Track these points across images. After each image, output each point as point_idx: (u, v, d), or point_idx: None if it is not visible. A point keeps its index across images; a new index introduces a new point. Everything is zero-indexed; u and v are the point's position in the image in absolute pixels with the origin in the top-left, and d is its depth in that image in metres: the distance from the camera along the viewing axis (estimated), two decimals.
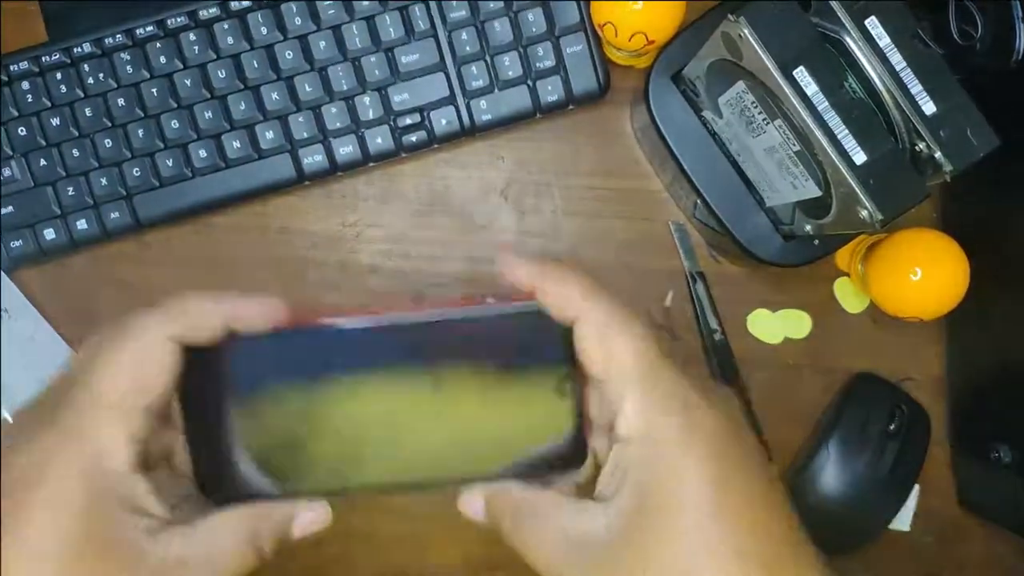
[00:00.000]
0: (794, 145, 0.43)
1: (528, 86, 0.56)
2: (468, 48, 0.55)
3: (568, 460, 0.35)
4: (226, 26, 0.55)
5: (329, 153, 0.56)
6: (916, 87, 0.41)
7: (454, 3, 0.55)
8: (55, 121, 0.56)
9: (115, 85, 0.56)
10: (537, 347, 0.34)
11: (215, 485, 0.34)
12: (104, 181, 0.56)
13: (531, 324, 0.34)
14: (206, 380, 0.34)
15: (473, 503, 0.36)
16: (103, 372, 0.32)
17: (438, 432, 0.35)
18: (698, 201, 0.52)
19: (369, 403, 0.35)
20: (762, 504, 0.31)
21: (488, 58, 0.56)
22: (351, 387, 0.34)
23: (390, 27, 0.55)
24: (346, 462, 0.35)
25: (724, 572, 0.29)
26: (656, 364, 0.32)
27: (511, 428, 0.35)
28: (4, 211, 0.57)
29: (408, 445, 0.35)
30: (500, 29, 0.55)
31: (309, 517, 0.35)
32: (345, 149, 0.56)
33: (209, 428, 0.34)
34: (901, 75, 0.41)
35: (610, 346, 0.32)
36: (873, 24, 0.41)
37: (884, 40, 0.41)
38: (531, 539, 0.33)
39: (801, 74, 0.40)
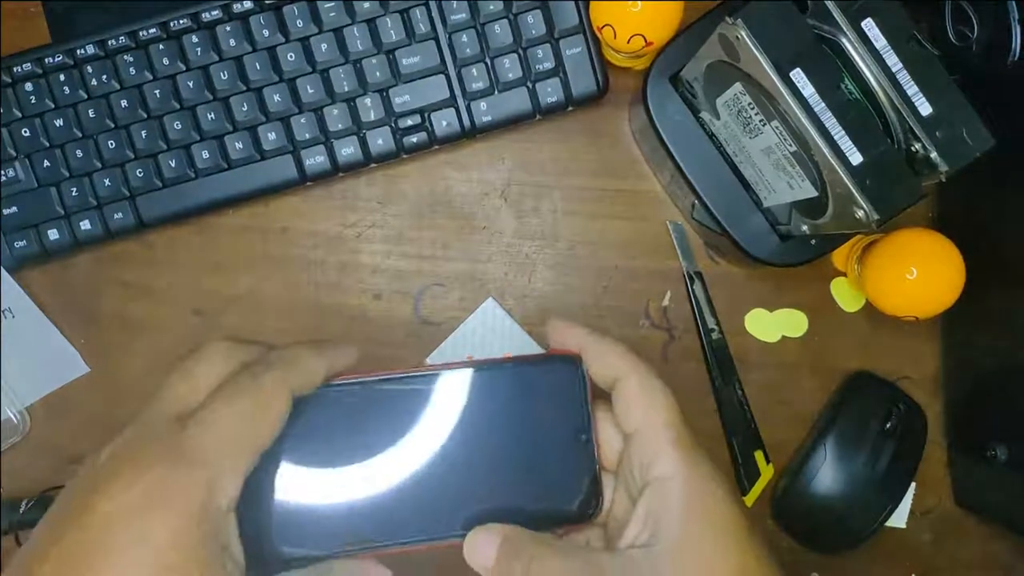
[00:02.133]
0: (791, 146, 0.43)
1: (528, 88, 0.56)
2: (468, 50, 0.56)
3: (584, 510, 0.36)
4: (228, 28, 0.56)
5: (331, 154, 0.57)
6: (912, 88, 0.41)
7: (454, 5, 0.55)
8: (58, 122, 0.56)
9: (118, 86, 0.56)
10: (558, 398, 0.36)
11: (262, 548, 0.34)
12: (107, 182, 0.57)
13: (553, 376, 0.36)
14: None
15: (485, 546, 0.34)
16: (228, 414, 0.33)
17: (465, 483, 0.35)
18: (696, 201, 0.53)
19: (402, 456, 0.36)
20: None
21: (488, 60, 0.56)
22: (385, 441, 0.35)
23: (391, 29, 0.56)
24: (377, 518, 0.35)
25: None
26: (682, 419, 0.36)
27: (533, 476, 0.36)
28: (8, 211, 0.57)
29: (439, 497, 0.35)
30: (500, 31, 0.55)
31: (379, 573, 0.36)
32: (346, 150, 0.57)
33: (259, 491, 0.34)
34: (897, 76, 0.41)
35: (652, 399, 0.35)
36: (869, 26, 0.41)
37: (880, 41, 0.41)
38: None
39: (798, 75, 0.40)
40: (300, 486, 0.35)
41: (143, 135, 0.56)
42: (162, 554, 0.30)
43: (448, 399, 0.36)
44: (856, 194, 0.40)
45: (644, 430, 0.35)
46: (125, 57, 0.56)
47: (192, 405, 0.33)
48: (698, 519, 0.33)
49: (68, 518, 0.31)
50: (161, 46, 0.56)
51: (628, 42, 0.51)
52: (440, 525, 0.35)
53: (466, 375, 0.36)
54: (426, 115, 0.57)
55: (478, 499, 0.35)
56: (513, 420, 0.36)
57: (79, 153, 0.57)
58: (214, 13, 0.56)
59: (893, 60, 0.41)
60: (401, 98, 0.56)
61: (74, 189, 0.57)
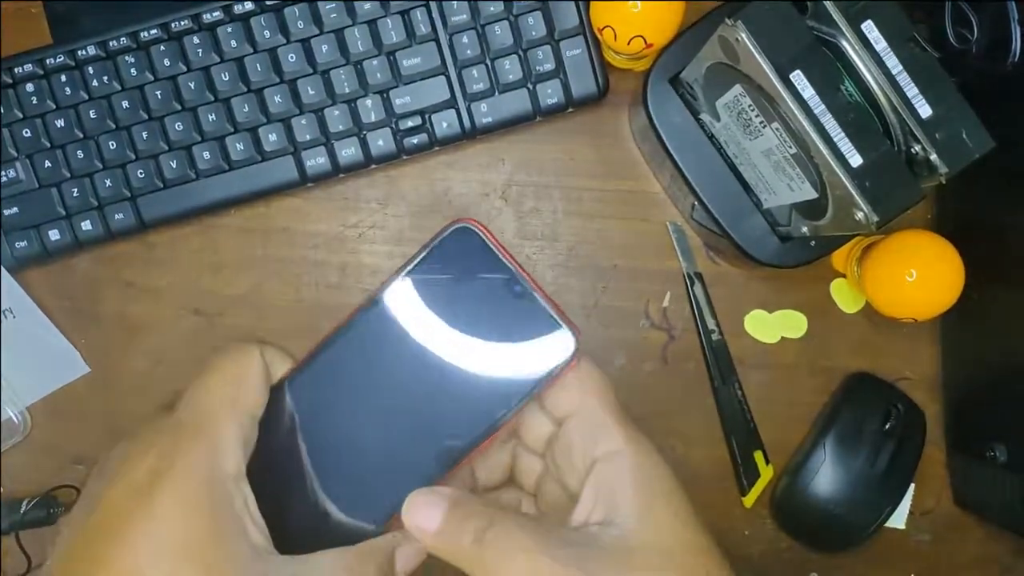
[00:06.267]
0: (791, 147, 0.43)
1: (528, 89, 0.56)
2: (469, 52, 0.56)
3: (566, 343, 0.35)
4: (229, 29, 0.56)
5: (331, 155, 0.57)
6: (912, 90, 0.41)
7: (455, 6, 0.55)
8: (59, 123, 0.56)
9: (119, 87, 0.56)
10: (476, 264, 0.35)
11: (290, 535, 0.34)
12: (108, 182, 0.57)
13: (460, 247, 0.35)
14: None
15: (428, 508, 0.32)
16: (209, 386, 0.34)
17: (445, 390, 0.35)
18: (696, 203, 0.53)
19: (399, 388, 0.35)
20: None
21: (488, 61, 0.56)
22: (377, 387, 0.35)
23: (392, 31, 0.56)
24: (395, 466, 0.35)
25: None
26: (618, 399, 0.36)
27: (504, 343, 0.35)
28: (9, 212, 0.57)
29: (449, 404, 0.35)
30: (500, 33, 0.56)
31: (412, 550, 0.35)
32: (347, 151, 0.57)
33: (276, 481, 0.34)
34: (897, 78, 0.41)
35: (590, 380, 0.35)
36: (869, 28, 0.41)
37: (880, 43, 0.41)
38: (505, 560, 0.31)
39: (798, 77, 0.40)
40: (318, 464, 0.35)
41: (144, 136, 0.56)
42: (174, 525, 0.30)
43: (396, 318, 0.35)
44: (856, 196, 0.40)
45: (585, 410, 0.35)
46: (126, 58, 0.56)
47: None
48: (653, 492, 0.33)
49: (83, 513, 0.31)
50: (162, 47, 0.56)
51: (628, 43, 0.51)
52: (466, 426, 0.35)
53: (397, 288, 0.35)
54: (426, 116, 0.57)
55: (477, 389, 0.35)
56: (458, 304, 0.35)
57: (80, 154, 0.57)
58: (215, 14, 0.56)
59: (893, 62, 0.41)
60: (402, 99, 0.56)
61: (75, 189, 0.57)
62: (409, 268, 0.35)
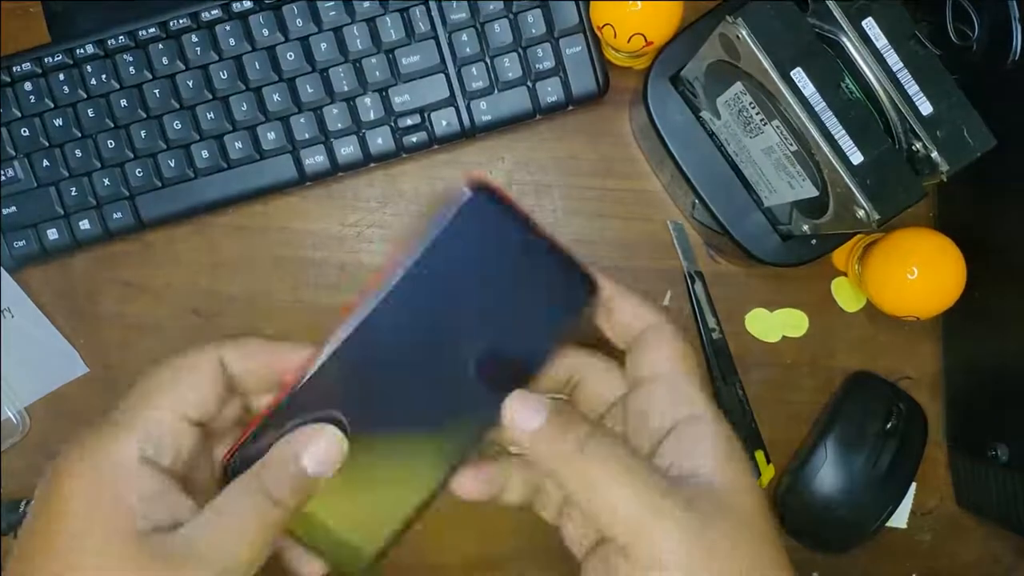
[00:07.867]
0: (791, 145, 0.43)
1: (528, 87, 0.56)
2: (468, 49, 0.56)
3: (584, 289, 0.35)
4: (228, 28, 0.56)
5: (330, 154, 0.57)
6: (913, 87, 0.41)
7: (454, 5, 0.55)
8: (58, 122, 0.56)
9: (117, 86, 0.56)
10: (486, 225, 0.35)
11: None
12: (106, 181, 0.57)
13: (476, 216, 0.35)
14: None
15: (529, 410, 0.33)
16: (148, 377, 0.34)
17: (483, 351, 0.35)
18: (696, 201, 0.53)
19: (423, 361, 0.35)
20: None
21: (488, 59, 0.56)
22: (406, 356, 0.35)
23: (391, 29, 0.55)
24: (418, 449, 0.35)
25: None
26: None
27: (523, 299, 0.35)
28: (7, 211, 0.57)
29: (471, 376, 0.35)
30: (500, 31, 0.55)
31: (321, 448, 0.33)
32: (346, 150, 0.56)
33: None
34: (898, 76, 0.41)
35: (683, 348, 0.36)
36: (870, 25, 0.41)
37: (881, 41, 0.41)
38: (604, 472, 0.31)
39: (798, 75, 0.40)
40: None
41: (142, 135, 0.56)
42: (78, 524, 0.31)
43: (418, 292, 0.35)
44: (857, 193, 0.40)
45: (673, 374, 0.35)
46: (124, 56, 0.56)
47: None
48: (734, 458, 0.34)
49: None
50: (160, 45, 0.56)
51: (628, 41, 0.51)
52: (484, 400, 0.34)
53: (418, 263, 0.35)
54: (426, 114, 0.56)
55: (502, 357, 0.35)
56: (472, 269, 0.35)
57: (78, 153, 0.56)
58: (213, 12, 0.55)
59: (894, 59, 0.41)
60: (401, 97, 0.56)
61: (73, 189, 0.57)
62: (426, 246, 0.35)
